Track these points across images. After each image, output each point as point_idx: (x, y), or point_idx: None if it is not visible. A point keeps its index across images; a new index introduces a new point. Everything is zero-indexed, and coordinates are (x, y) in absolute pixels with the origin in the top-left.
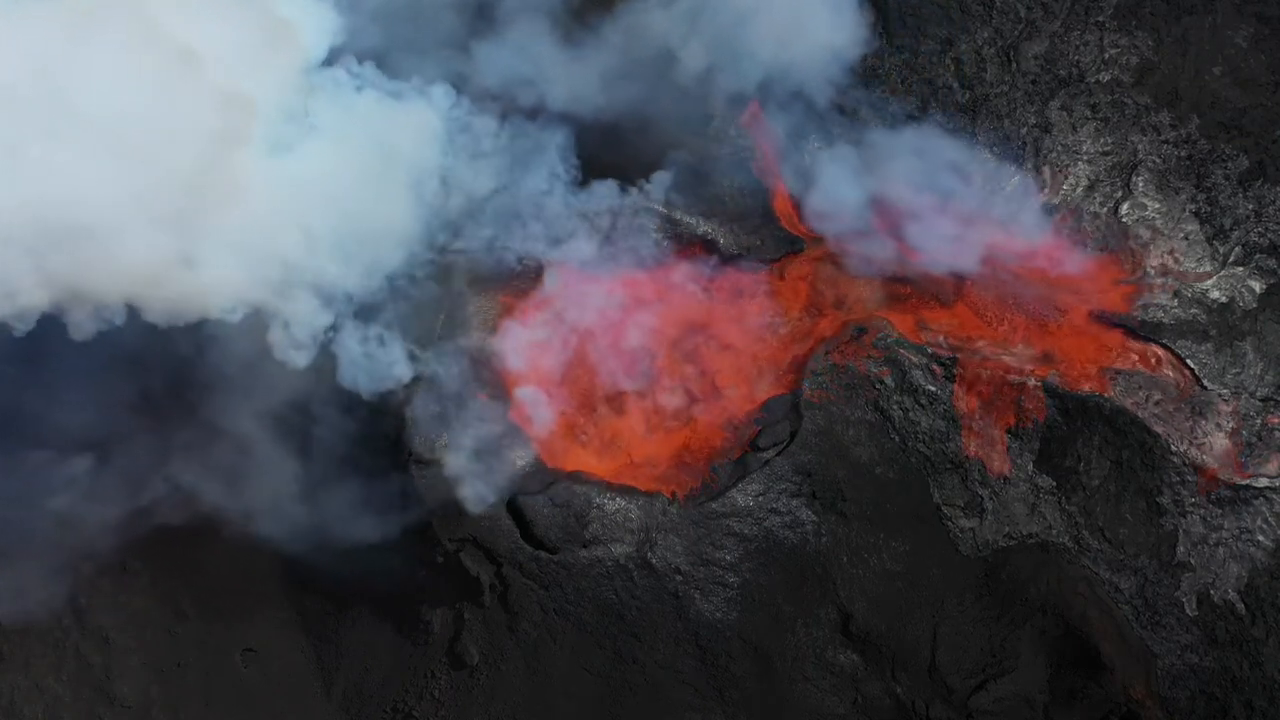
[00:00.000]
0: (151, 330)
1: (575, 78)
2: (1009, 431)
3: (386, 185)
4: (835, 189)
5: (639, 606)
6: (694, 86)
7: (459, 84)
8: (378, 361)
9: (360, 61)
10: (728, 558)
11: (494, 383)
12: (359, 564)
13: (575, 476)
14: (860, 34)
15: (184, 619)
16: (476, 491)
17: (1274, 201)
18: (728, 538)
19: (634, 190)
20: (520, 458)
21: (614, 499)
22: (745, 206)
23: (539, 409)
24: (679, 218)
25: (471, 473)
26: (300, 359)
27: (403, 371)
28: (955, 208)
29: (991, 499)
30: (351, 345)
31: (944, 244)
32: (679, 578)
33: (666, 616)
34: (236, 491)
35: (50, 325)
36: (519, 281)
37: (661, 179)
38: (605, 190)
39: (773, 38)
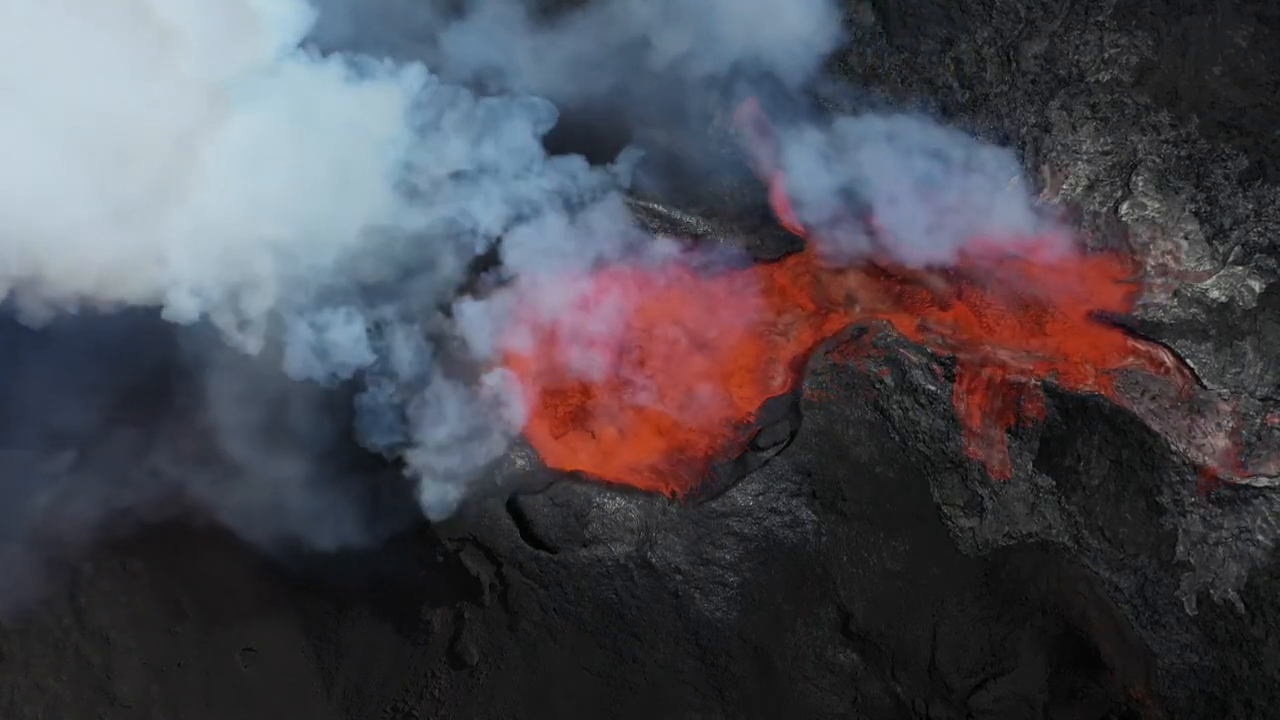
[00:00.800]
0: (140, 325)
1: (547, 68)
2: (1009, 431)
3: (349, 165)
4: (821, 180)
5: (639, 606)
6: (688, 81)
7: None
8: (334, 345)
9: (324, 54)
10: (727, 557)
11: (463, 373)
12: (359, 564)
13: (575, 476)
14: (835, 26)
15: (184, 619)
16: (436, 495)
17: (1274, 201)
18: (727, 537)
19: (605, 171)
20: (491, 457)
21: (614, 498)
22: (745, 206)
23: (512, 398)
24: (678, 216)
25: (433, 474)
26: (251, 344)
27: (362, 356)
28: (940, 198)
29: (991, 498)
30: (304, 329)
31: (929, 235)
32: (679, 577)
33: (666, 616)
34: (231, 490)
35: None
36: (494, 270)
37: (630, 155)
38: (592, 182)
39: (762, 31)
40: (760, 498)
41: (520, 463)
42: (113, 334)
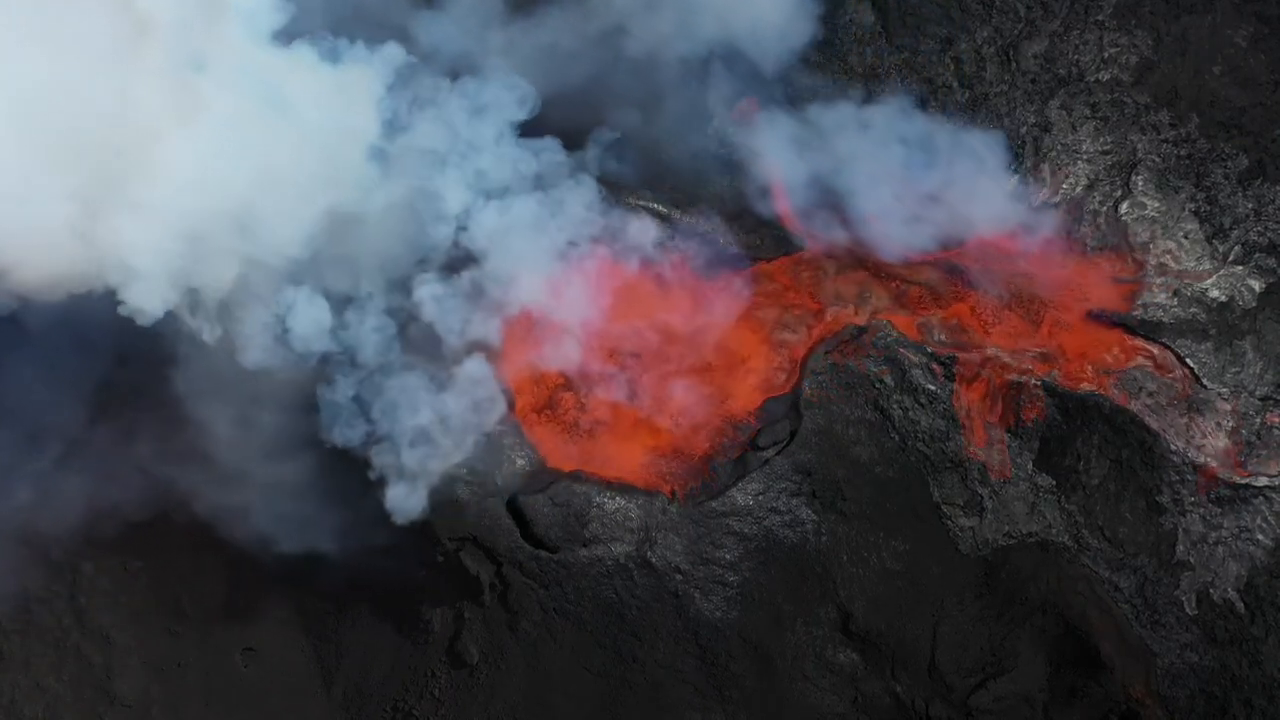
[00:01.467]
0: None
1: (523, 59)
2: (1009, 431)
3: (318, 145)
4: (818, 177)
5: (639, 606)
6: (688, 78)
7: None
8: (296, 331)
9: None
10: (727, 557)
11: (433, 362)
12: (359, 564)
13: (575, 476)
14: (815, 19)
15: (184, 619)
16: (403, 496)
17: (1273, 200)
18: (727, 537)
19: (580, 158)
20: (463, 454)
21: (614, 498)
22: (744, 205)
23: (486, 390)
24: (679, 216)
25: (401, 473)
26: (208, 332)
27: (324, 343)
28: (935, 191)
29: (991, 498)
30: (264, 314)
31: (926, 229)
32: (679, 577)
33: (666, 615)
34: (230, 489)
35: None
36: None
37: (602, 137)
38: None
39: (749, 20)
40: (760, 497)
41: (520, 463)
42: (102, 327)
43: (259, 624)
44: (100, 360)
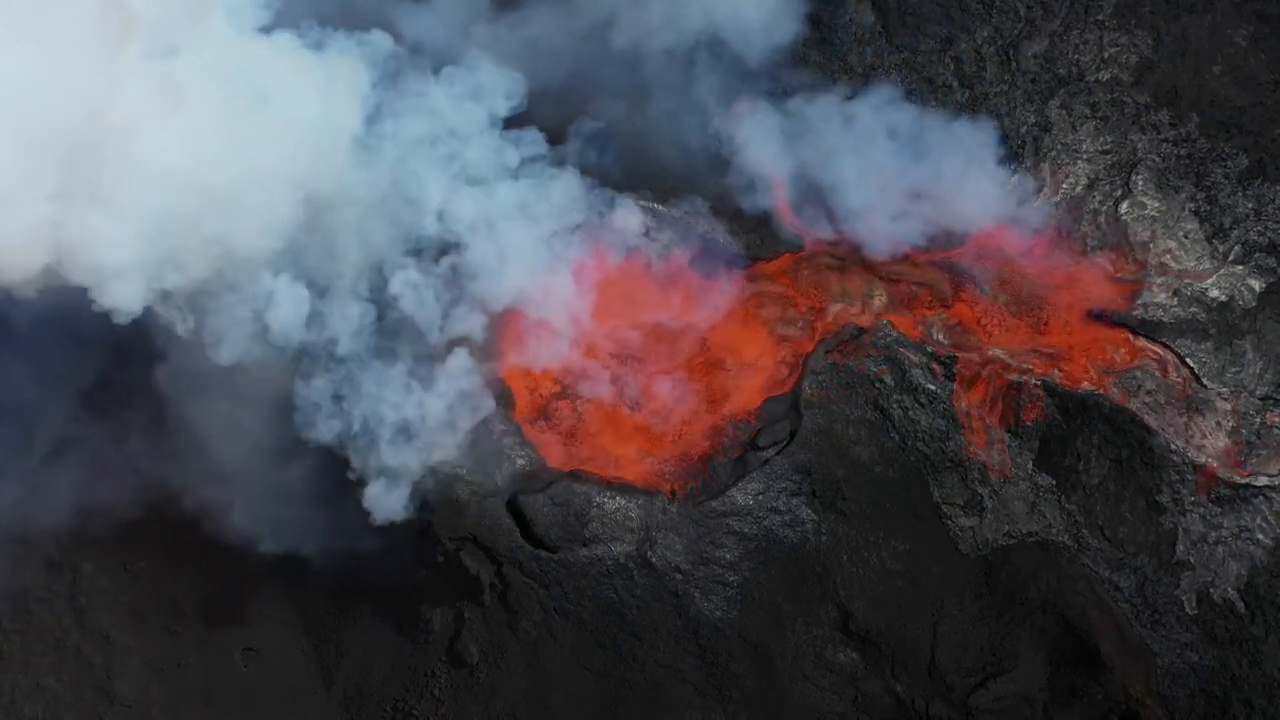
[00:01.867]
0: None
1: (510, 55)
2: (1009, 431)
3: (301, 133)
4: (815, 175)
5: (639, 605)
6: (691, 75)
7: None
8: (273, 324)
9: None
10: (727, 556)
11: (418, 353)
12: (359, 564)
13: (575, 476)
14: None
15: (184, 619)
16: (381, 496)
17: (1273, 200)
18: (727, 536)
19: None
20: (448, 453)
21: (614, 498)
22: (742, 204)
23: (472, 386)
24: (676, 215)
25: (381, 471)
26: (181, 327)
27: (303, 335)
28: (928, 188)
29: (991, 497)
30: (238, 306)
31: (924, 226)
32: (679, 576)
33: (666, 615)
34: (229, 489)
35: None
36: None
37: (583, 128)
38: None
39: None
40: (760, 497)
41: (520, 462)
42: (93, 322)
43: (259, 624)
44: (93, 356)
